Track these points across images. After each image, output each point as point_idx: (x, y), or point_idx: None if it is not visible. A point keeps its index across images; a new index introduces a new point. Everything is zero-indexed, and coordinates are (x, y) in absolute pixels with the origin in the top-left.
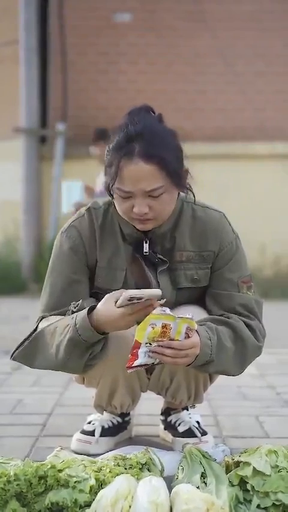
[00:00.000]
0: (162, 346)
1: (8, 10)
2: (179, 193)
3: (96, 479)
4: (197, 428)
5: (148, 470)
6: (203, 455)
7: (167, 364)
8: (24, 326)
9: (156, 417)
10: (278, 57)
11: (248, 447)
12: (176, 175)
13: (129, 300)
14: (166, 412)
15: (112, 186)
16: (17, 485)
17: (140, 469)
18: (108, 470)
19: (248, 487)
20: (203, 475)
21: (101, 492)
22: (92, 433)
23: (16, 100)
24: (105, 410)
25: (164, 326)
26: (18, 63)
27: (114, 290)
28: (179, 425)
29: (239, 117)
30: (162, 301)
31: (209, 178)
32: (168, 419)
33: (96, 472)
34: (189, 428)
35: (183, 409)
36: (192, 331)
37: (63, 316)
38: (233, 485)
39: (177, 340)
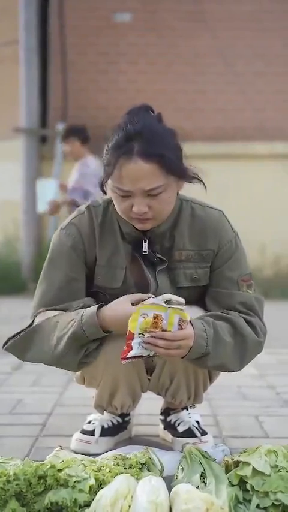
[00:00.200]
0: (155, 337)
1: (8, 10)
2: (178, 192)
3: (96, 479)
4: (196, 428)
5: (148, 470)
6: (203, 455)
7: (161, 355)
8: (24, 326)
9: (156, 417)
10: (277, 57)
11: (248, 447)
12: (176, 174)
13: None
14: (166, 412)
15: (106, 182)
16: (17, 485)
17: (139, 468)
18: (107, 470)
19: (248, 487)
20: (203, 475)
21: (101, 492)
22: (91, 433)
23: (16, 100)
24: (105, 410)
25: (156, 316)
26: (18, 63)
27: (114, 289)
28: (178, 425)
29: (239, 117)
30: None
31: (209, 178)
32: (168, 419)
33: (96, 471)
34: (189, 428)
35: (182, 409)
36: (185, 323)
37: (63, 312)
38: (232, 485)
39: (170, 331)
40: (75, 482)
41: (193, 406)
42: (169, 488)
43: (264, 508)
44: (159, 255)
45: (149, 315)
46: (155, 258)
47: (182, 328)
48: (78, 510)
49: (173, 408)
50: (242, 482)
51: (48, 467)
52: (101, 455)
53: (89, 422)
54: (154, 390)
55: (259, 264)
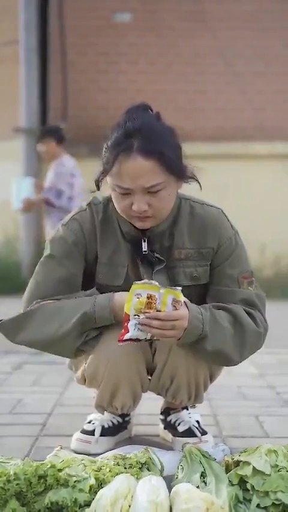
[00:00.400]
0: (149, 318)
1: (8, 10)
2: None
3: (96, 479)
4: (196, 427)
5: (148, 469)
6: (203, 455)
7: (156, 336)
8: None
9: (156, 417)
10: (277, 57)
11: (248, 447)
12: (175, 171)
13: None
14: (166, 411)
15: (102, 180)
16: (17, 484)
17: (139, 468)
18: (108, 469)
19: (248, 486)
20: (203, 475)
21: (101, 491)
22: (92, 433)
23: (16, 100)
24: (106, 410)
25: (150, 297)
26: (18, 63)
27: (116, 286)
28: (178, 424)
29: (239, 117)
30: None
31: (209, 178)
32: (168, 418)
33: (96, 471)
34: (189, 428)
35: (183, 408)
36: (179, 304)
37: (66, 300)
38: (232, 485)
39: (164, 311)
40: (75, 481)
41: (193, 406)
42: (169, 488)
43: (265, 508)
44: (158, 255)
45: (143, 295)
46: (153, 258)
47: (176, 309)
48: (78, 510)
49: (173, 408)
50: (242, 481)
51: (48, 466)
52: (101, 455)
53: (89, 422)
54: (154, 390)
55: (259, 264)
